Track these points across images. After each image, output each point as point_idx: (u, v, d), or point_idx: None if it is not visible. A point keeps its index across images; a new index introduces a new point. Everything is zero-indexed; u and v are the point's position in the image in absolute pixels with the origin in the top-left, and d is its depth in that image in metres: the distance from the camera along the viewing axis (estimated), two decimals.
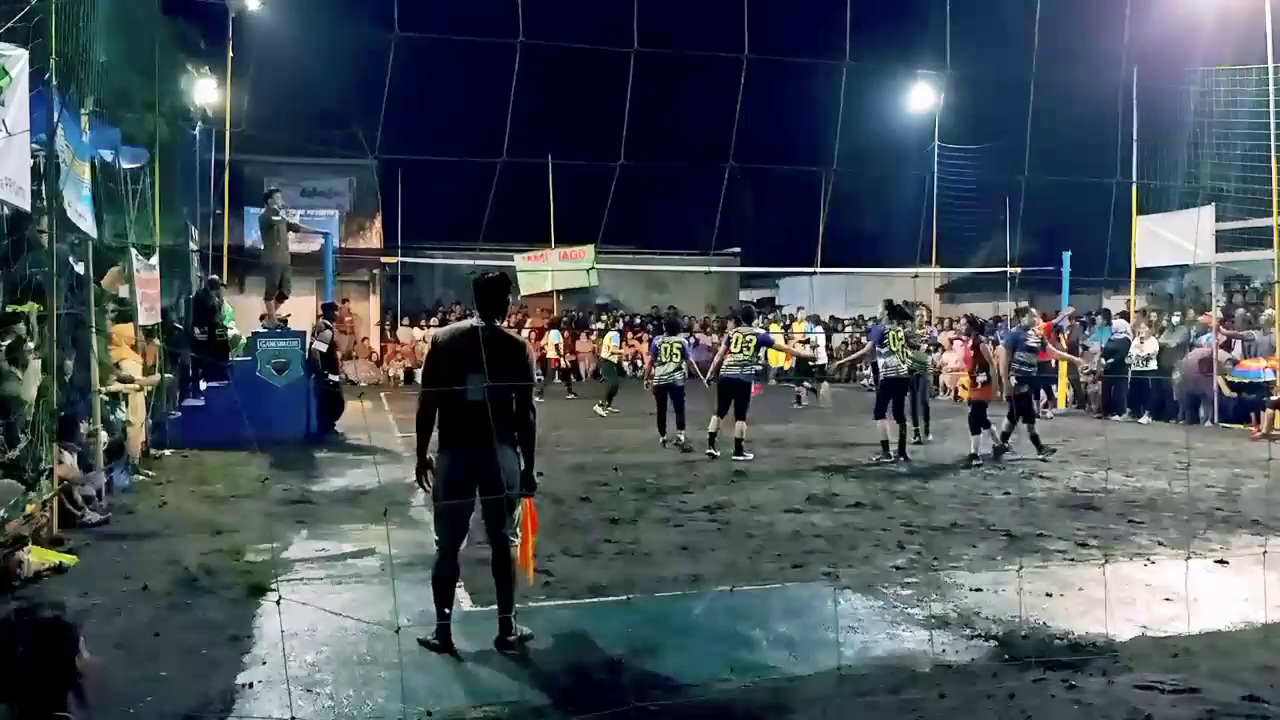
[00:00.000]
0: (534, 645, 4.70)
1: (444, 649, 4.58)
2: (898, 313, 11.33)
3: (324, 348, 12.83)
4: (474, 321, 4.70)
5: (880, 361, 11.32)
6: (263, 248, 13.45)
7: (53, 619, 2.22)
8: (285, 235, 13.06)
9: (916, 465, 10.34)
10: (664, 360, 11.77)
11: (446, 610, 4.67)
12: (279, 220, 12.96)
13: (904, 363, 10.84)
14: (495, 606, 4.75)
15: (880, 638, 4.89)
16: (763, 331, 12.13)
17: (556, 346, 21.09)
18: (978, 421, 10.61)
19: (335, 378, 13.18)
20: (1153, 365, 15.20)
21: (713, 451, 10.77)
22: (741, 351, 10.86)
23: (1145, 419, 15.19)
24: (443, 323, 22.97)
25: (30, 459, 6.61)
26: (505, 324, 4.85)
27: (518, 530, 4.78)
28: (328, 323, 13.21)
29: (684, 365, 11.78)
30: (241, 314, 15.60)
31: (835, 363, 21.53)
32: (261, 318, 13.20)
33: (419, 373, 22.59)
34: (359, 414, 14.20)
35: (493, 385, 4.43)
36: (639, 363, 24.53)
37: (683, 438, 11.65)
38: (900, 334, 10.97)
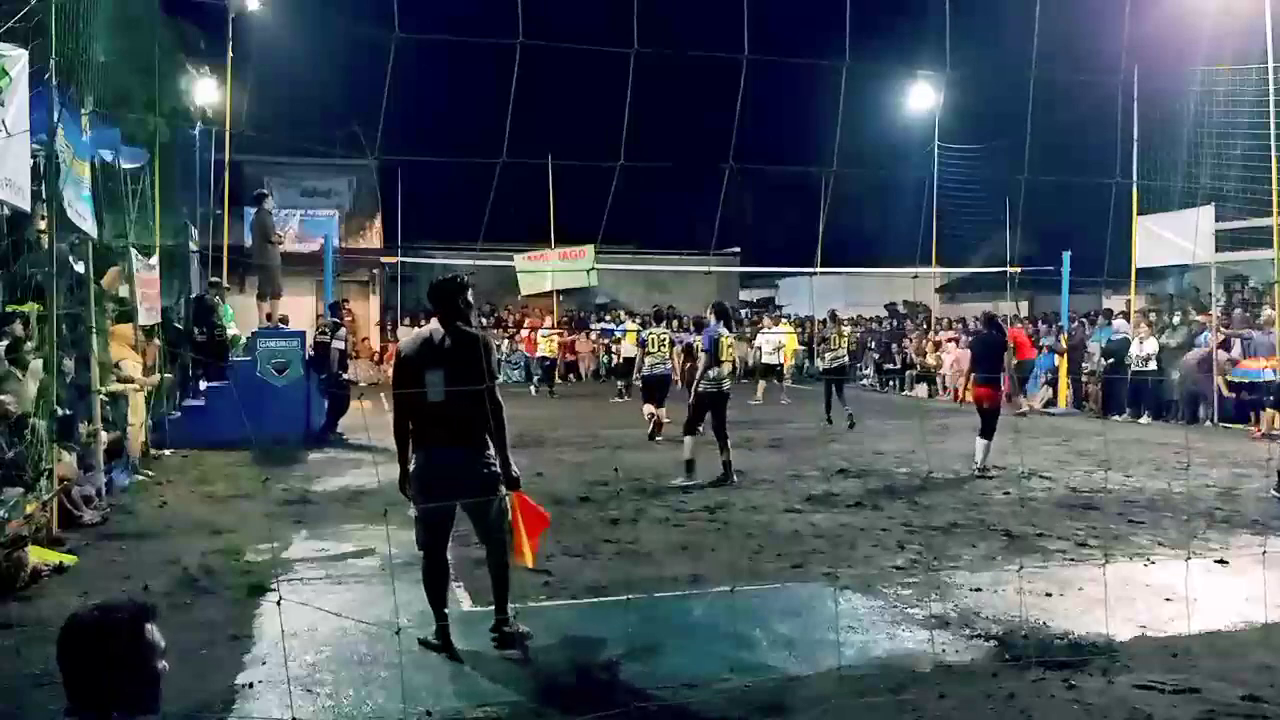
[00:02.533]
0: (534, 645, 4.70)
1: (444, 649, 4.59)
2: (725, 315, 9.80)
3: (342, 345, 12.83)
4: (432, 326, 4.72)
5: (711, 372, 9.38)
6: (255, 249, 13.49)
7: (132, 619, 2.22)
8: (275, 236, 13.27)
9: (916, 467, 10.32)
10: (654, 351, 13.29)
11: (444, 611, 4.69)
12: (269, 219, 13.25)
13: (728, 375, 9.50)
14: (494, 606, 4.76)
15: (880, 638, 4.89)
16: (679, 334, 13.05)
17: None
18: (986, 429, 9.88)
19: (347, 376, 13.19)
20: (1152, 365, 15.21)
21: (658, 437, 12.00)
22: (658, 349, 12.23)
23: (1145, 419, 15.19)
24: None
25: (30, 459, 6.61)
26: (466, 325, 4.73)
27: (507, 527, 4.75)
28: (338, 320, 13.17)
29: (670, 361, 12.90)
30: (241, 314, 15.60)
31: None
32: (268, 318, 13.25)
33: None
34: (359, 414, 14.18)
35: (452, 386, 4.43)
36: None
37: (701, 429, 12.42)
38: (730, 340, 9.68)
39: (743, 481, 9.35)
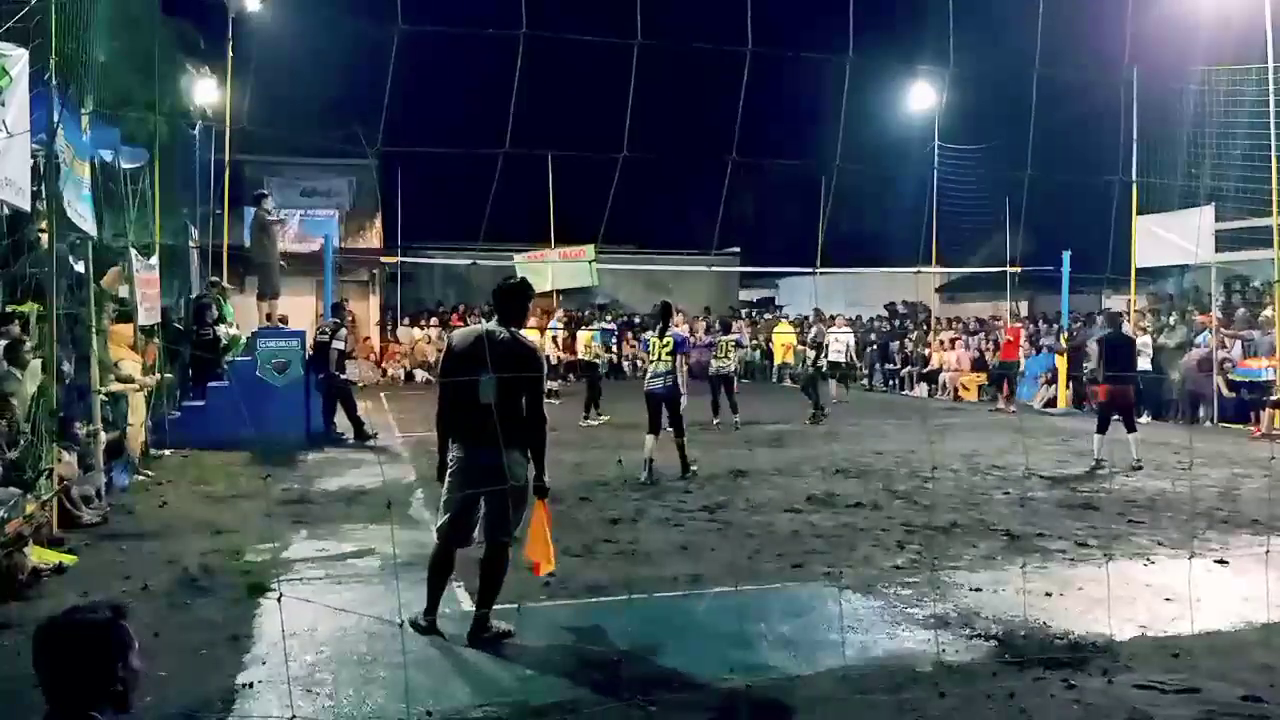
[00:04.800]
0: (534, 645, 4.70)
1: (429, 632, 4.73)
2: (665, 314, 9.82)
3: (342, 345, 12.83)
4: (488, 325, 4.80)
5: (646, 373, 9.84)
6: (255, 249, 13.50)
7: (105, 619, 2.23)
8: (276, 236, 13.35)
9: (916, 466, 10.32)
10: (720, 355, 13.83)
11: (437, 601, 4.80)
12: (272, 221, 13.32)
13: (669, 371, 9.48)
14: (477, 604, 4.81)
15: (880, 638, 4.89)
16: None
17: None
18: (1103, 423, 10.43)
19: (345, 377, 13.19)
20: (1147, 365, 15.18)
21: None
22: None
23: (1145, 419, 15.17)
24: (443, 323, 23.03)
25: (30, 459, 6.60)
26: (522, 330, 4.90)
27: (522, 532, 4.80)
28: (339, 321, 13.16)
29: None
30: (241, 314, 15.60)
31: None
32: (267, 318, 13.26)
33: (419, 373, 22.36)
34: (360, 414, 14.16)
35: (500, 389, 4.52)
36: (639, 362, 24.65)
37: (737, 421, 13.50)
38: (667, 344, 9.54)
39: (743, 481, 9.36)
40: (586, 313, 25.82)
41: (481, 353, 4.59)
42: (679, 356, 9.59)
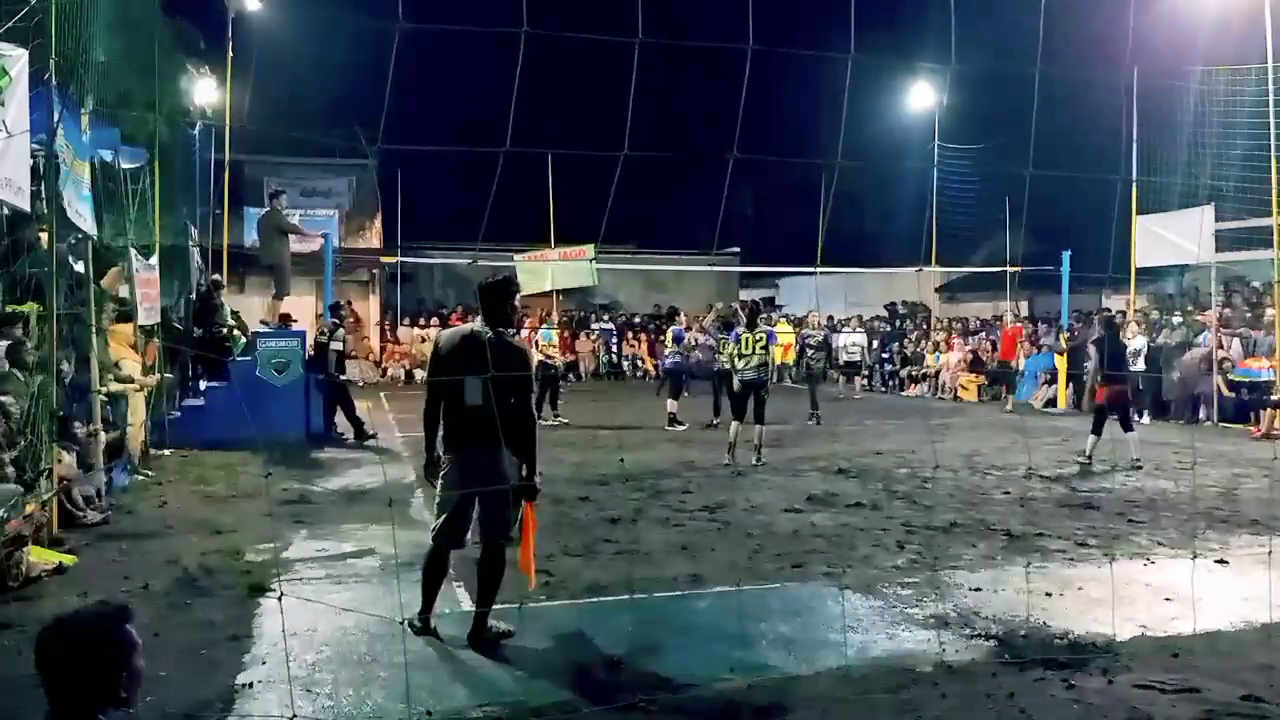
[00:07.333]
0: (534, 645, 4.70)
1: (425, 633, 4.74)
2: (754, 315, 10.87)
3: (340, 347, 12.82)
4: (474, 325, 4.77)
5: (738, 365, 10.46)
6: (265, 249, 13.50)
7: (110, 622, 2.24)
8: (288, 235, 13.43)
9: (916, 466, 10.32)
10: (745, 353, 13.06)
11: (432, 603, 4.81)
12: (286, 220, 13.52)
13: (762, 364, 10.38)
14: (476, 605, 4.82)
15: (880, 638, 4.89)
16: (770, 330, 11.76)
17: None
18: (1099, 423, 10.55)
19: (345, 377, 13.19)
20: (1141, 365, 15.17)
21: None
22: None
23: (1145, 419, 15.17)
24: (443, 323, 23.02)
25: (30, 459, 6.60)
26: (511, 329, 4.89)
27: (516, 533, 4.80)
28: (336, 321, 13.15)
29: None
30: (242, 314, 15.59)
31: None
32: (281, 318, 13.27)
33: (419, 373, 22.17)
34: (359, 414, 14.16)
35: (489, 389, 4.50)
36: (639, 363, 24.66)
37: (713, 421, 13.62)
38: (760, 338, 10.42)
39: (742, 481, 9.37)
40: (584, 313, 25.83)
41: (467, 354, 4.59)
42: (770, 349, 10.55)
